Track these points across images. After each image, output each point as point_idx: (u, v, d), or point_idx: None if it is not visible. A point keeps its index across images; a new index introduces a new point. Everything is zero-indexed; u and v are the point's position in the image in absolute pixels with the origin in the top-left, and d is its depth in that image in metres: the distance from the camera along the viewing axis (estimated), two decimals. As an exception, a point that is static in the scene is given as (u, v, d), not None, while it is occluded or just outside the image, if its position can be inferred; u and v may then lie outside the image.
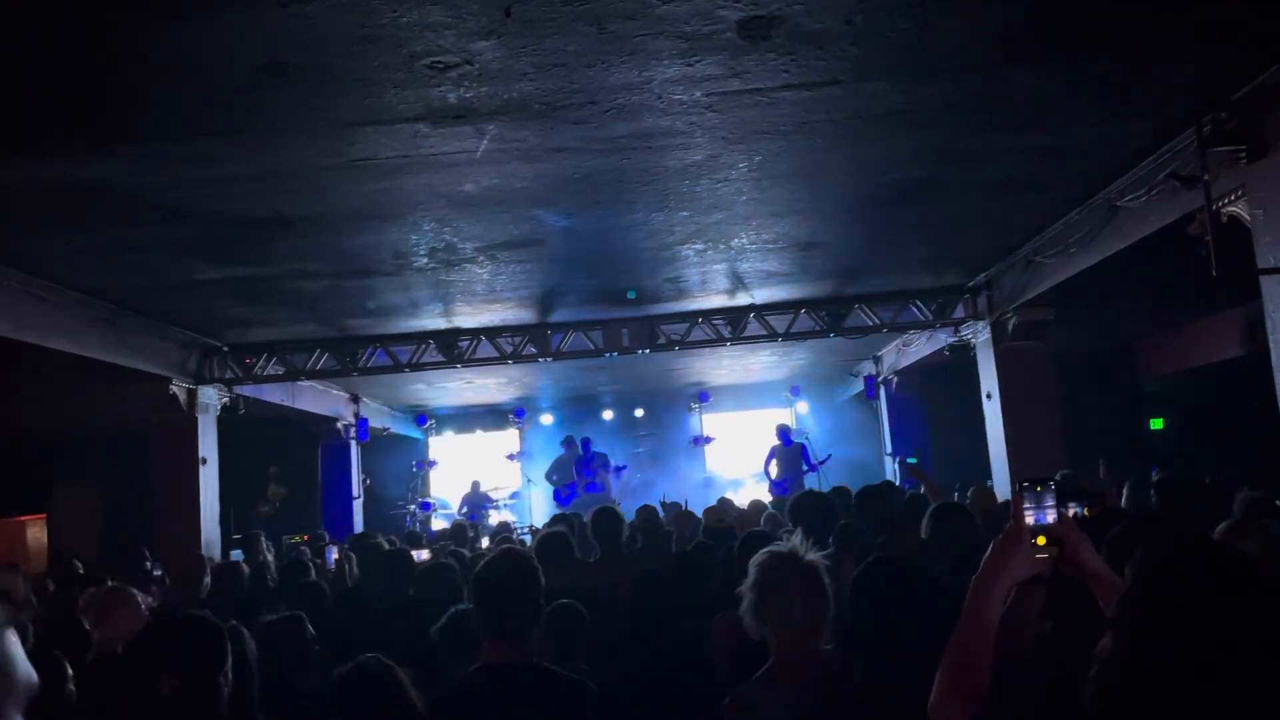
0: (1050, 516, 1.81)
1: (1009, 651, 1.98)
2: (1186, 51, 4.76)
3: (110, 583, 4.63)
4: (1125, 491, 6.56)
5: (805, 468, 14.12)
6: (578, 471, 15.66)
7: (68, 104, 4.48)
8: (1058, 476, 6.18)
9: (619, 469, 15.93)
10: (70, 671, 3.08)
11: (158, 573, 7.10)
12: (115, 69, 4.17)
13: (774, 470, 14.39)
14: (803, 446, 14.39)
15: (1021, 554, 1.82)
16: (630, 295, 9.42)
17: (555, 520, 7.11)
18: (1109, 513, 3.11)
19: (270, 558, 8.87)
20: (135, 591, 3.69)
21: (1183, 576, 1.48)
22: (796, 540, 3.06)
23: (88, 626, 3.46)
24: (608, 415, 17.54)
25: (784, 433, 14.75)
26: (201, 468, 9.86)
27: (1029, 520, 1.82)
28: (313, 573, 5.83)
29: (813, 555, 2.97)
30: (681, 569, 4.95)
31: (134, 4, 3.68)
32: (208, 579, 5.49)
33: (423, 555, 5.51)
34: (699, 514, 8.29)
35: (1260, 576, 1.48)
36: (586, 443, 15.75)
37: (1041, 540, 1.81)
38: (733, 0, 3.92)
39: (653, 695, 3.57)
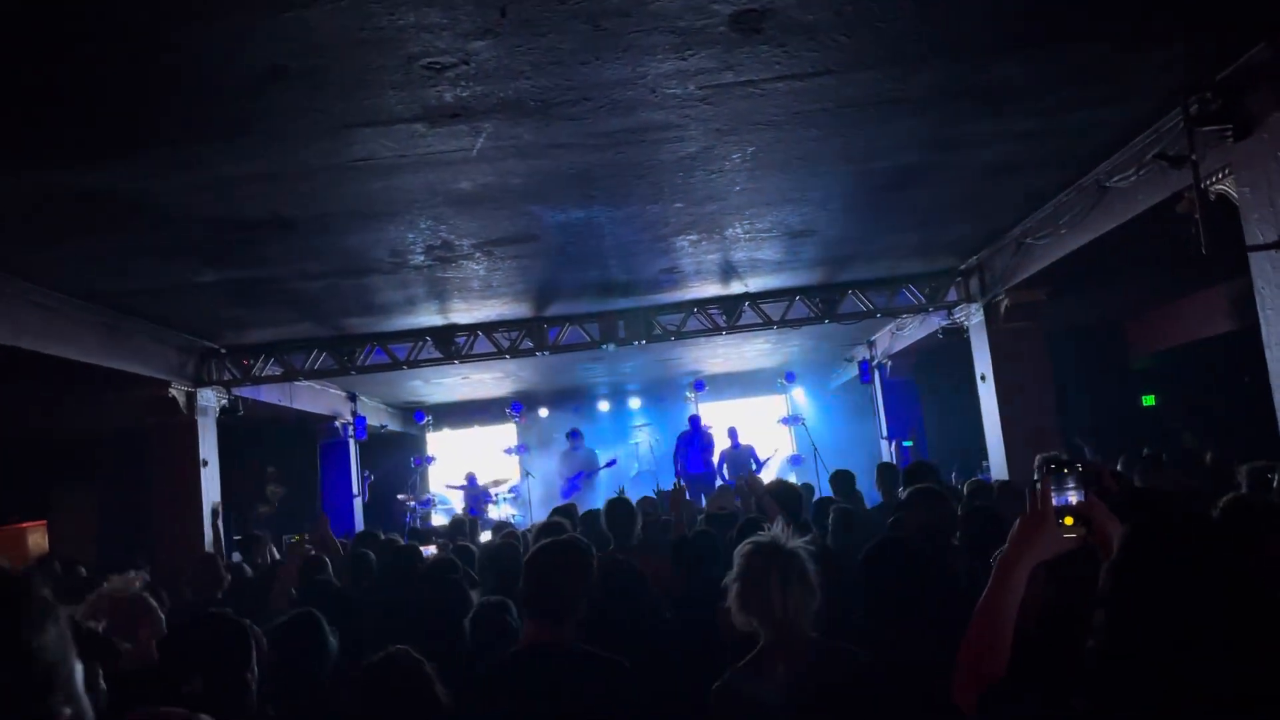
0: (1074, 497, 1.85)
1: (1016, 626, 2.04)
2: (1171, 34, 4.83)
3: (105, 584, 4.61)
4: (1119, 468, 6.63)
5: (755, 467, 14.35)
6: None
7: (69, 113, 4.52)
8: (1064, 456, 6.30)
9: (610, 464, 16.08)
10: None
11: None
12: (116, 77, 4.20)
13: (726, 472, 14.58)
14: (751, 449, 14.70)
15: (1046, 534, 1.86)
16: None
17: (554, 513, 7.18)
18: (1109, 495, 3.19)
19: (279, 557, 8.89)
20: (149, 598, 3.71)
21: (1160, 546, 1.53)
22: (777, 529, 3.10)
23: (101, 631, 3.46)
24: (604, 407, 17.60)
25: (733, 434, 14.98)
26: (203, 470, 9.90)
27: (1054, 501, 1.86)
28: (330, 569, 5.87)
29: (794, 543, 3.01)
30: (682, 556, 5.00)
31: (135, 11, 3.71)
32: (228, 577, 5.51)
33: (430, 550, 5.56)
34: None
35: (1233, 543, 1.54)
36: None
37: (1069, 520, 1.84)
38: (726, -5, 3.98)
39: (670, 679, 3.64)
